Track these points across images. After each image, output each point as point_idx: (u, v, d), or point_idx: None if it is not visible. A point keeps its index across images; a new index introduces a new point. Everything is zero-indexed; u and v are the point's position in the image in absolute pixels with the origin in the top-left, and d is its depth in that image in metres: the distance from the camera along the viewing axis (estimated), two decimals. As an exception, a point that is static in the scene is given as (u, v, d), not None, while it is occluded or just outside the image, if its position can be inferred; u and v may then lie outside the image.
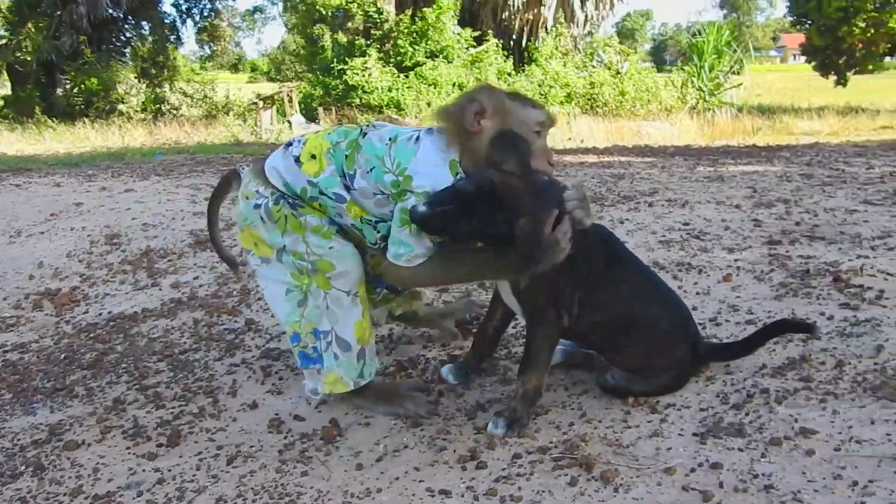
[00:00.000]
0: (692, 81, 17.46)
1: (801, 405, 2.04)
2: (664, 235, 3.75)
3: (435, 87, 16.62)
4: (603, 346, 2.21)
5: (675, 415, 2.06)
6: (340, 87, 16.85)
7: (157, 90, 18.82)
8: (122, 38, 20.14)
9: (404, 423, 2.12)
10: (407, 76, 16.73)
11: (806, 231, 3.67)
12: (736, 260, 3.29)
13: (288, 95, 17.73)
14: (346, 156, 2.02)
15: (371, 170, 1.98)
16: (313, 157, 2.05)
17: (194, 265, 3.71)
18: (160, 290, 3.43)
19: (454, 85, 16.57)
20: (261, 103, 17.22)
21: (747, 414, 2.02)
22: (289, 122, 16.72)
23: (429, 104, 15.73)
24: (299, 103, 18.36)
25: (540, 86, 17.12)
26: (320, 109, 16.67)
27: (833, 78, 19.40)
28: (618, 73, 17.37)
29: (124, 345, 2.84)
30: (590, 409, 2.13)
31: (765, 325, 2.36)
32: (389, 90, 16.55)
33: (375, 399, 2.20)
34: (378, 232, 2.06)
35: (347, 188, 2.02)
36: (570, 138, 11.28)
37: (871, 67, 18.59)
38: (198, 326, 2.95)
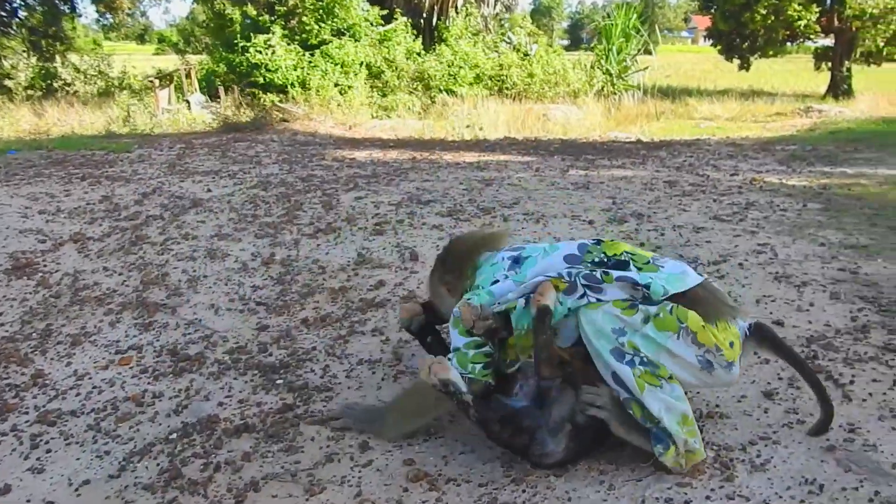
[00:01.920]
0: (600, 64, 17.54)
1: (580, 478, 1.97)
2: (508, 259, 3.66)
3: (342, 67, 16.17)
4: None
5: (453, 492, 1.95)
6: (244, 64, 16.20)
7: (49, 65, 17.68)
8: (8, 7, 18.83)
9: (160, 510, 1.94)
10: (312, 55, 16.21)
11: (648, 254, 3.64)
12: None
13: (186, 72, 16.91)
14: None
15: None
16: None
17: (3, 297, 3.41)
18: (-44, 329, 3.13)
19: (361, 64, 16.16)
20: (157, 81, 16.37)
21: (524, 490, 1.93)
22: (187, 101, 15.99)
23: (336, 85, 15.30)
24: (201, 81, 17.57)
25: (449, 66, 16.88)
26: (221, 89, 16.00)
27: (737, 62, 19.81)
28: (526, 55, 17.28)
29: None
30: (367, 486, 2.01)
31: None
32: (294, 69, 16.01)
33: None
34: None
35: None
36: (468, 126, 11.10)
37: (771, 52, 19.05)
38: (-21, 380, 2.69)
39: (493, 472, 2.03)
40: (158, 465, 2.15)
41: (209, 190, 5.25)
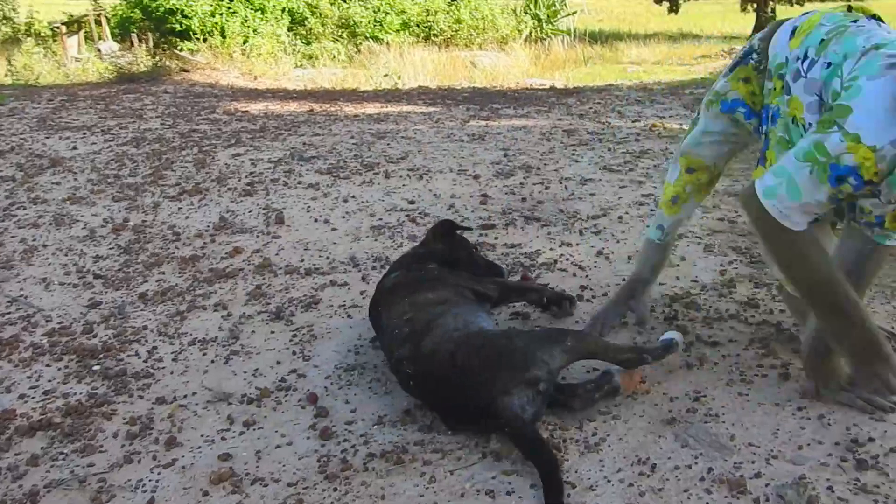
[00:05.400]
0: (529, 9, 17.19)
1: (398, 473, 1.77)
2: (381, 219, 3.42)
3: (262, 13, 15.47)
4: None
5: (258, 493, 1.74)
6: (160, 10, 15.34)
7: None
8: None
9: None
10: (231, 0, 15.44)
11: (527, 210, 3.45)
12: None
13: (96, 18, 15.95)
14: (823, 39, 1.72)
15: (829, 65, 1.66)
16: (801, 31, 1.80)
17: None
18: None
19: (283, 10, 15.49)
20: (63, 28, 15.41)
21: (335, 489, 1.73)
22: (98, 49, 15.11)
23: (255, 31, 14.63)
24: (114, 28, 16.60)
25: (375, 13, 16.32)
26: (135, 36, 15.14)
27: (666, 4, 19.71)
28: (453, 0, 16.80)
29: None
30: (163, 491, 1.78)
31: None
32: (212, 15, 15.24)
33: None
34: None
35: (800, 74, 1.74)
36: (386, 75, 10.67)
37: (699, -6, 19.03)
38: None
39: (307, 468, 1.82)
40: (-73, 474, 1.88)
41: (75, 147, 4.83)
